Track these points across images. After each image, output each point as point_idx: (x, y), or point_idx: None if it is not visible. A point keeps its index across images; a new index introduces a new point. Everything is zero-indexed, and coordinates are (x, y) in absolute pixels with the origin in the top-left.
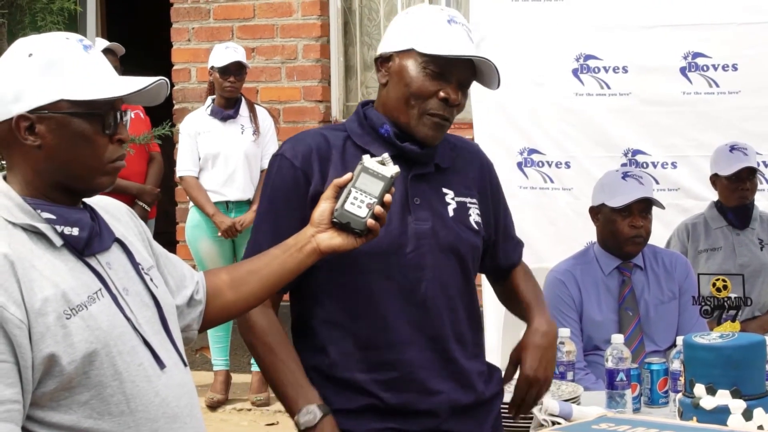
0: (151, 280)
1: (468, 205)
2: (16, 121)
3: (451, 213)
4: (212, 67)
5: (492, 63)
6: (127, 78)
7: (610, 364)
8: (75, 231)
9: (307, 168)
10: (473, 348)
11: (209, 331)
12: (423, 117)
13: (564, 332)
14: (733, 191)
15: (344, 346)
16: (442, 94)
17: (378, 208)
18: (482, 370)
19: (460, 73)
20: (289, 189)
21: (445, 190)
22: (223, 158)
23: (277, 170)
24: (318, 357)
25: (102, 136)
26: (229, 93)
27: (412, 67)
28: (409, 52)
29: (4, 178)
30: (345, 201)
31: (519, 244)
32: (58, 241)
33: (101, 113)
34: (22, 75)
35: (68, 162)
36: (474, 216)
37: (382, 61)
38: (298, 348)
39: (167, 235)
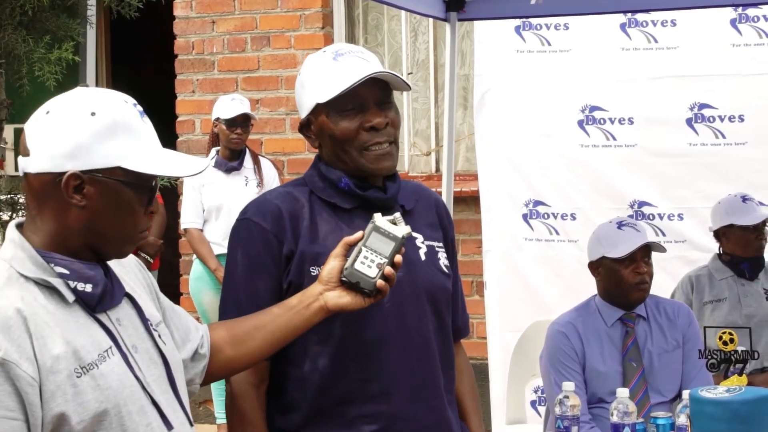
0: (160, 336)
1: (436, 249)
2: (67, 178)
3: (422, 257)
4: (218, 119)
5: (386, 71)
6: (174, 154)
7: (615, 419)
8: (88, 287)
9: (278, 229)
10: (450, 396)
11: (213, 384)
12: (364, 154)
13: (568, 386)
14: (752, 241)
15: (318, 404)
16: (366, 124)
17: (388, 269)
18: (458, 420)
19: (370, 95)
20: (261, 251)
21: (414, 234)
22: (226, 210)
23: (247, 234)
24: (287, 418)
25: (142, 207)
26: (235, 144)
27: (326, 118)
28: (316, 109)
29: (18, 226)
30: (355, 260)
31: (465, 309)
32: (71, 297)
33: (149, 187)
34: (83, 133)
35: (106, 227)
36: (443, 260)
37: (305, 129)
38: (267, 406)
39: (171, 287)
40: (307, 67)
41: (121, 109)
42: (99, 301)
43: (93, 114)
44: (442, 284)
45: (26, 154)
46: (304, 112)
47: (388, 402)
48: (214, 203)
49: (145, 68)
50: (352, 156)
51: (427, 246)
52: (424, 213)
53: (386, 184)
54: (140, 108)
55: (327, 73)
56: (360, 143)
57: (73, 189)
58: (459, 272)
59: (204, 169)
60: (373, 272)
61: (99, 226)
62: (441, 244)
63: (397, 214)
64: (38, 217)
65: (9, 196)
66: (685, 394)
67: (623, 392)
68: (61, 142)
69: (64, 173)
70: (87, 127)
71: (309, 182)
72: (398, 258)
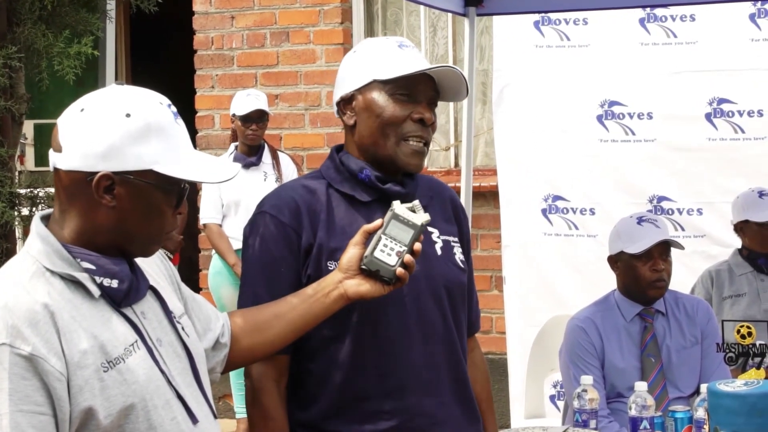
0: (183, 329)
1: (452, 243)
2: (98, 178)
3: (438, 252)
4: (234, 115)
5: (457, 70)
6: (206, 158)
7: (633, 412)
8: (114, 283)
9: (296, 223)
10: (466, 391)
11: (232, 379)
12: (401, 144)
13: (586, 380)
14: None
15: (336, 399)
16: (415, 115)
17: (408, 257)
18: (475, 414)
19: (426, 91)
20: (280, 244)
21: (430, 229)
22: (245, 205)
23: (264, 227)
24: (307, 412)
25: (170, 208)
26: (251, 141)
27: (378, 97)
28: (370, 85)
29: (43, 218)
30: (375, 248)
31: (477, 305)
32: (96, 292)
33: (179, 189)
34: (117, 135)
35: (135, 228)
36: (458, 254)
37: (345, 103)
38: (287, 400)
39: (190, 283)
40: (367, 46)
41: (155, 111)
42: (125, 296)
43: (128, 115)
44: (458, 278)
45: (58, 149)
46: (351, 87)
47: (405, 397)
48: (232, 198)
49: (164, 63)
50: (391, 142)
51: (443, 240)
52: (440, 208)
53: (404, 179)
54: (174, 109)
55: (392, 55)
56: (402, 132)
57: (103, 189)
58: (474, 268)
59: (234, 175)
60: (392, 260)
61: (127, 226)
62: (456, 239)
63: (416, 202)
64: (67, 212)
65: (29, 190)
66: (703, 387)
67: (641, 386)
68: (95, 142)
69: (95, 173)
70: (121, 129)
71: (326, 175)
72: (417, 246)
